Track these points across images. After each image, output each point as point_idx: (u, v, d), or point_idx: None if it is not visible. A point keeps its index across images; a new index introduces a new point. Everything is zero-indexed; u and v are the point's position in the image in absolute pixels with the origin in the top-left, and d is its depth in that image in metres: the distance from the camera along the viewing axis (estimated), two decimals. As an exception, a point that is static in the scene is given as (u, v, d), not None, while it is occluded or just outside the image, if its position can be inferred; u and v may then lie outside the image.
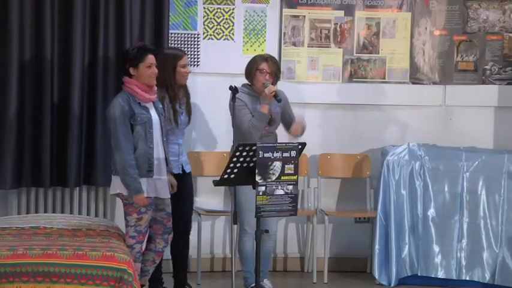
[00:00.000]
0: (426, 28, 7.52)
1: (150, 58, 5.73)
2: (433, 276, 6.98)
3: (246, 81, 6.45)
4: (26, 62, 6.67)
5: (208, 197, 7.24)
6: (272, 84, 6.28)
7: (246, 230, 6.29)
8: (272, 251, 6.67)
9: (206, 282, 7.01)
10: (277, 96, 6.20)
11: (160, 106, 5.92)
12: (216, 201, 7.29)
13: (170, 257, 6.43)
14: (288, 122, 6.47)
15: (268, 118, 6.26)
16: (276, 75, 6.36)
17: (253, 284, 6.22)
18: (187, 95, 6.35)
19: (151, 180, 5.70)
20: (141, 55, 5.72)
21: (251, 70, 6.34)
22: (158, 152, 5.76)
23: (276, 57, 7.19)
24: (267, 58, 6.37)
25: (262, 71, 6.29)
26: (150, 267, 5.95)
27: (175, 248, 6.31)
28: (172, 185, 5.99)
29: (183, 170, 6.29)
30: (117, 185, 5.68)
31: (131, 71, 5.71)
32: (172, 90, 6.18)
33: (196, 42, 7.22)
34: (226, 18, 7.27)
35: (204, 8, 7.23)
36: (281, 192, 5.36)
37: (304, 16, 7.39)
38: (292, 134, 6.38)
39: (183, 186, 6.24)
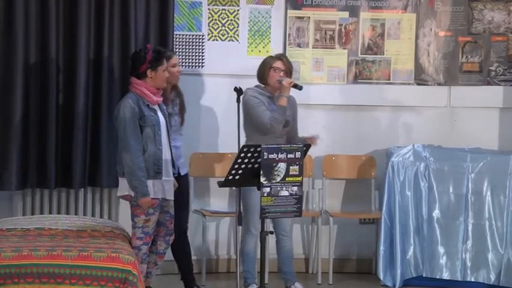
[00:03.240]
0: (431, 29, 7.52)
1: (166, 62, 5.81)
2: (438, 277, 6.97)
3: (252, 83, 6.45)
4: (31, 64, 6.67)
5: (213, 198, 7.24)
6: None
7: (251, 231, 6.29)
8: (292, 249, 6.61)
9: (211, 283, 7.00)
10: (297, 85, 6.30)
11: (165, 108, 5.92)
12: (221, 202, 7.29)
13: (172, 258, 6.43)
14: (290, 133, 6.46)
15: (286, 111, 6.29)
16: (290, 73, 6.43)
17: (255, 285, 6.27)
18: (180, 95, 6.32)
19: (159, 182, 5.70)
20: (160, 58, 5.73)
21: (264, 70, 6.37)
22: (165, 153, 5.76)
23: (281, 58, 7.23)
24: (280, 57, 6.46)
25: (277, 69, 6.34)
26: (152, 269, 5.95)
27: (178, 249, 6.30)
28: (175, 186, 5.98)
29: (179, 173, 6.28)
30: (125, 187, 5.67)
31: (149, 73, 5.70)
32: (163, 92, 6.13)
33: (201, 44, 7.22)
34: (231, 20, 7.27)
35: (209, 9, 7.23)
36: (286, 193, 5.35)
37: (309, 17, 7.39)
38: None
39: (180, 188, 6.23)
